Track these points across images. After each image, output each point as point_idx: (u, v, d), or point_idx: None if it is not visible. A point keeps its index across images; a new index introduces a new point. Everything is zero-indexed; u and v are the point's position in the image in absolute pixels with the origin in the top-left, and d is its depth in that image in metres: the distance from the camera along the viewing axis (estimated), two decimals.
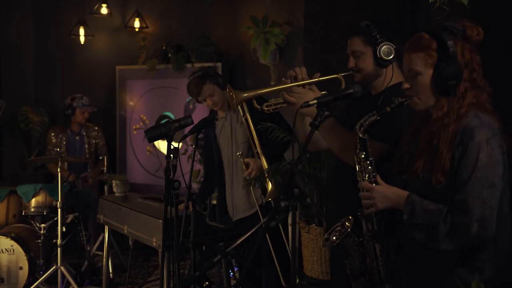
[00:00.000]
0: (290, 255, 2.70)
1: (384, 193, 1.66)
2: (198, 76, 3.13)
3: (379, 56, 1.96)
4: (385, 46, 1.95)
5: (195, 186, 4.56)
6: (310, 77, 2.03)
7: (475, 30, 1.62)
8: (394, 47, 1.95)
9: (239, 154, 3.02)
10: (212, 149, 3.33)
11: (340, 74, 2.01)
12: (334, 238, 1.76)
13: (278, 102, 2.04)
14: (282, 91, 2.01)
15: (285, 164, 2.87)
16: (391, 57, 1.96)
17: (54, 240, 3.82)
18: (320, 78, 2.02)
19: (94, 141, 4.78)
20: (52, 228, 3.93)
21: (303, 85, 2.01)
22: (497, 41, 2.31)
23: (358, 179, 1.73)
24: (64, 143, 4.72)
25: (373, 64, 1.99)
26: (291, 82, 2.02)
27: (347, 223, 1.75)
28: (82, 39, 5.27)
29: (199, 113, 4.90)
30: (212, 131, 3.32)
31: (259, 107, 2.07)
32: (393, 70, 1.99)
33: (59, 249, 3.65)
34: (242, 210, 3.22)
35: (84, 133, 4.77)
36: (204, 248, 3.51)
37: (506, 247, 1.63)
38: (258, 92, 2.10)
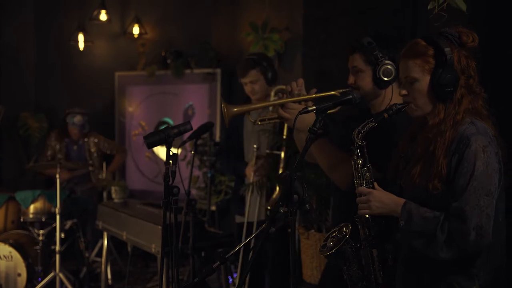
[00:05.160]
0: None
1: (381, 198, 1.66)
2: (250, 59, 3.12)
3: (378, 76, 1.92)
4: (384, 67, 1.91)
5: (194, 192, 4.56)
6: (308, 92, 2.00)
7: (470, 36, 1.63)
8: (395, 67, 1.91)
9: (256, 148, 2.97)
10: (238, 140, 3.28)
11: (338, 91, 1.96)
12: (331, 244, 1.75)
13: (273, 117, 2.02)
14: (278, 106, 1.99)
15: (285, 171, 2.87)
16: (391, 78, 1.92)
17: (53, 247, 3.81)
18: (317, 95, 1.98)
19: (92, 150, 4.77)
20: (51, 235, 3.93)
21: (299, 101, 1.97)
22: (495, 47, 2.33)
23: (356, 185, 1.73)
24: (63, 150, 4.71)
25: (372, 84, 1.96)
26: (286, 97, 1.99)
27: (345, 229, 1.75)
28: (81, 45, 5.28)
29: (198, 119, 4.91)
30: (240, 121, 3.27)
31: (252, 120, 2.07)
32: (392, 91, 1.96)
33: (57, 255, 3.64)
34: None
35: (82, 143, 4.75)
36: (203, 254, 3.51)
37: (500, 254, 1.65)
38: (251, 107, 2.09)
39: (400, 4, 3.28)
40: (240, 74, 3.14)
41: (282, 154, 2.80)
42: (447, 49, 1.60)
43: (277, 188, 2.86)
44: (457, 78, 1.61)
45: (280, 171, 2.77)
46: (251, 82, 3.10)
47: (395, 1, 3.34)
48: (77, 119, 4.64)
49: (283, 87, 2.83)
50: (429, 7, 1.78)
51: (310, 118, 1.82)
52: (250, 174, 3.04)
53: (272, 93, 2.86)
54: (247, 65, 3.09)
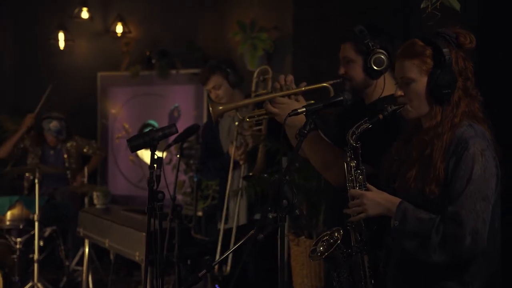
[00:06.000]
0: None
1: (375, 199, 1.66)
2: (210, 65, 3.16)
3: (369, 65, 1.93)
4: (376, 56, 1.92)
5: (180, 197, 4.54)
6: (297, 86, 2.00)
7: (468, 37, 1.65)
8: (387, 56, 1.92)
9: (238, 123, 2.98)
10: (215, 140, 3.28)
11: (328, 82, 1.97)
12: (321, 249, 1.75)
13: (261, 113, 2.02)
14: (266, 102, 1.99)
15: (274, 175, 2.88)
16: (383, 67, 1.93)
17: (31, 255, 3.77)
18: (306, 88, 1.98)
19: (70, 154, 4.70)
20: (29, 243, 3.88)
21: (288, 95, 1.96)
22: (488, 48, 2.35)
23: (348, 188, 1.73)
24: (39, 153, 4.65)
25: (363, 74, 1.96)
26: (275, 92, 1.98)
27: (336, 234, 1.75)
28: (61, 44, 5.24)
29: (184, 121, 4.89)
30: (215, 128, 3.27)
31: (241, 117, 2.06)
32: (384, 81, 1.97)
33: (35, 264, 3.60)
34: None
35: (60, 147, 4.70)
36: (189, 262, 3.50)
37: (495, 261, 1.66)
38: (239, 104, 2.09)
39: (400, 4, 3.31)
40: (202, 82, 3.19)
41: (263, 128, 2.81)
42: (445, 50, 1.60)
43: (259, 156, 2.86)
44: (455, 79, 1.62)
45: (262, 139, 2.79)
46: (214, 88, 3.12)
47: (394, 1, 3.38)
48: (53, 124, 4.56)
49: (266, 67, 2.85)
50: (422, 6, 1.80)
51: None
52: (236, 154, 3.05)
53: (255, 74, 2.89)
54: (207, 72, 3.13)
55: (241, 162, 3.07)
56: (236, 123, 2.99)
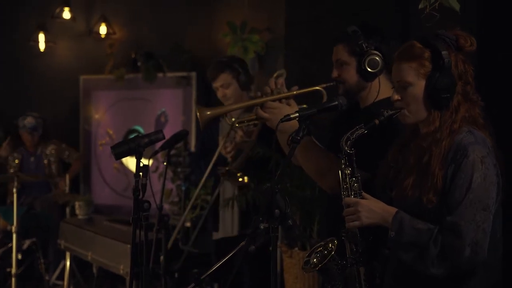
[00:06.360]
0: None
1: (370, 207, 1.66)
2: (220, 62, 3.13)
3: (363, 68, 1.93)
4: (370, 57, 1.92)
5: (166, 207, 4.52)
6: (289, 90, 2.00)
7: (468, 40, 1.65)
8: (382, 58, 1.93)
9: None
10: (213, 142, 3.25)
11: (321, 86, 1.97)
12: (315, 260, 1.75)
13: (251, 118, 2.01)
14: (256, 107, 1.98)
15: (265, 183, 2.88)
16: (377, 69, 1.94)
17: (8, 269, 3.74)
18: (298, 91, 1.98)
19: (52, 160, 4.69)
20: (6, 255, 3.86)
21: (279, 99, 1.96)
22: (488, 50, 2.38)
23: (343, 197, 1.73)
24: (17, 162, 4.62)
25: (357, 76, 1.97)
26: (266, 96, 1.98)
27: (330, 245, 1.75)
28: (42, 45, 5.22)
29: (171, 127, 4.89)
30: (215, 132, 3.26)
31: (230, 123, 2.06)
32: (379, 83, 1.97)
33: (13, 279, 3.57)
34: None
35: (40, 153, 4.67)
36: (176, 275, 3.49)
37: (496, 272, 1.66)
38: (227, 108, 2.09)
39: (393, 5, 3.34)
40: (210, 78, 3.16)
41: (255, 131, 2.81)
42: (444, 52, 1.61)
43: (243, 154, 2.85)
44: (454, 83, 1.62)
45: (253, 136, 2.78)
46: (222, 87, 3.10)
47: (387, 2, 3.40)
48: (28, 121, 4.57)
49: (283, 71, 2.84)
50: (420, 6, 1.81)
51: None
52: (224, 150, 3.03)
53: (273, 77, 2.88)
54: (216, 68, 3.10)
55: (229, 160, 3.07)
56: (233, 119, 2.99)
